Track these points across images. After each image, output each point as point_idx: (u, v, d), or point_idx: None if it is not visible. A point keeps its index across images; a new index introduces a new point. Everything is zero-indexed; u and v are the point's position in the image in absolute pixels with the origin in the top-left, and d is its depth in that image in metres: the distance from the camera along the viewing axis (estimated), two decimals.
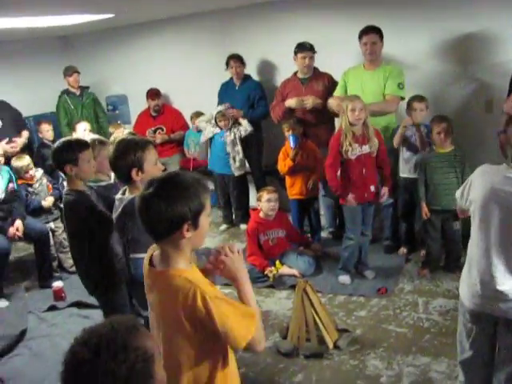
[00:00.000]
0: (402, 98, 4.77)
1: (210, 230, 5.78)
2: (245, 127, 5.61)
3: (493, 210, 2.27)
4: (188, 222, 1.73)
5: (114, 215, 2.83)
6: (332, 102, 4.88)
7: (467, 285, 2.44)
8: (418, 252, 4.92)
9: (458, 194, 2.54)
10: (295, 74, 5.33)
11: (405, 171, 4.77)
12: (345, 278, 4.52)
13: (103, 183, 3.61)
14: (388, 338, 3.70)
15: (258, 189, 5.44)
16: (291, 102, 5.12)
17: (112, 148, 2.93)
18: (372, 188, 4.36)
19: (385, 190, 4.42)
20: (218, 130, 5.74)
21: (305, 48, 5.11)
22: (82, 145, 3.19)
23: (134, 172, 2.75)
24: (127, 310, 3.15)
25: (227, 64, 5.80)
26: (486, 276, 2.34)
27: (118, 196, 2.85)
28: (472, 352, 2.54)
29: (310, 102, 5.03)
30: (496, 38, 4.75)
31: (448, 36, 4.98)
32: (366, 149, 4.25)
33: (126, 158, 2.75)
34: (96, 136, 4.57)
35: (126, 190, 2.85)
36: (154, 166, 2.82)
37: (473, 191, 2.38)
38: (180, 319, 1.71)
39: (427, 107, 4.63)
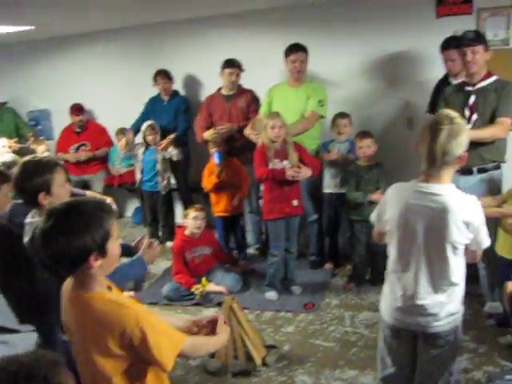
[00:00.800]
0: (322, 116, 4.86)
1: None
2: (175, 155, 5.57)
3: (410, 226, 2.31)
4: (94, 252, 1.66)
5: (25, 239, 2.66)
6: (248, 134, 4.91)
7: (389, 300, 2.47)
8: (344, 266, 5.01)
9: (373, 217, 2.54)
10: (219, 90, 5.34)
11: (329, 187, 4.86)
12: (271, 294, 4.52)
13: None
14: (315, 352, 3.71)
15: (185, 205, 5.40)
16: (207, 135, 5.14)
17: (17, 168, 2.71)
18: (295, 202, 4.38)
19: (296, 204, 4.41)
20: (142, 149, 5.66)
21: (232, 64, 5.14)
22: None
23: (41, 196, 2.59)
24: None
25: (155, 80, 5.76)
26: (408, 291, 2.36)
27: (28, 220, 2.69)
28: (394, 368, 2.55)
29: (225, 129, 5.05)
30: (419, 57, 4.96)
31: (373, 54, 5.17)
32: (286, 164, 4.29)
33: (32, 180, 2.59)
34: (12, 156, 4.38)
35: (34, 212, 2.68)
36: (62, 187, 2.66)
37: (388, 211, 2.40)
38: (105, 343, 1.64)
39: (351, 123, 4.76)
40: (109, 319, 1.65)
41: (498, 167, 3.89)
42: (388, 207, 2.40)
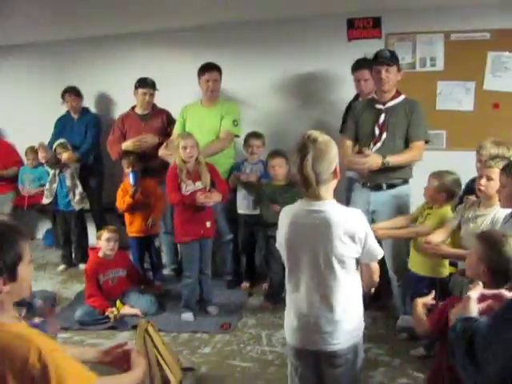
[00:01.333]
0: (237, 136, 4.89)
1: (48, 272, 5.51)
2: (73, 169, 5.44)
3: (298, 245, 2.34)
4: (3, 275, 1.58)
5: None
6: (162, 154, 4.83)
7: (288, 321, 2.48)
8: (260, 285, 5.02)
9: (277, 243, 2.53)
10: (133, 108, 5.25)
11: (242, 207, 4.89)
12: (188, 316, 4.45)
13: None
14: (233, 373, 3.67)
15: (98, 226, 5.26)
16: (128, 145, 5.03)
17: None
18: (208, 224, 4.37)
19: (209, 225, 4.41)
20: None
21: (146, 84, 5.08)
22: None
23: None
24: None
25: (62, 97, 5.59)
26: (302, 311, 2.38)
27: None
28: None
29: (148, 139, 4.98)
30: (331, 78, 5.10)
31: (286, 75, 5.26)
32: (199, 185, 4.27)
33: None
34: None
35: None
36: None
37: (279, 234, 2.44)
38: (4, 380, 1.52)
39: (264, 144, 4.80)
40: (9, 354, 1.54)
41: (406, 182, 4.04)
42: (279, 231, 2.44)
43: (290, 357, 2.57)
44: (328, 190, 2.32)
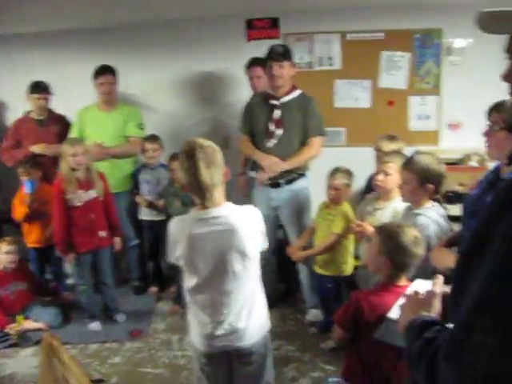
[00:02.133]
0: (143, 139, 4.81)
1: None
2: None
3: (202, 255, 2.32)
4: None
5: None
6: (35, 149, 4.69)
7: (198, 329, 2.46)
8: (169, 289, 4.94)
9: (169, 258, 2.46)
10: (28, 113, 5.00)
11: (145, 214, 4.81)
12: (95, 325, 4.31)
13: None
14: (145, 381, 3.61)
15: None
16: (36, 148, 4.76)
17: None
18: (103, 233, 4.24)
19: (117, 240, 4.37)
20: None
21: (39, 89, 4.82)
22: None
23: None
24: None
25: None
26: (215, 316, 2.39)
27: None
28: None
29: (52, 151, 4.74)
30: (231, 78, 5.09)
31: (185, 76, 5.20)
32: (92, 194, 4.15)
33: None
34: None
35: None
36: None
37: (178, 247, 2.37)
38: None
39: (161, 146, 4.74)
40: None
41: (303, 175, 4.14)
42: (176, 244, 2.36)
43: (200, 365, 2.54)
44: (221, 193, 2.35)
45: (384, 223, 2.84)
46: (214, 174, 2.27)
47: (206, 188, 2.26)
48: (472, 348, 0.97)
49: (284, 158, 3.97)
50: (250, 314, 2.43)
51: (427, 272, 2.55)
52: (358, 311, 2.35)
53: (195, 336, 2.49)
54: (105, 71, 4.64)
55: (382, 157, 3.56)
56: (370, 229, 3.14)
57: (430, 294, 1.47)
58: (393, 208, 3.33)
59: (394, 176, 3.30)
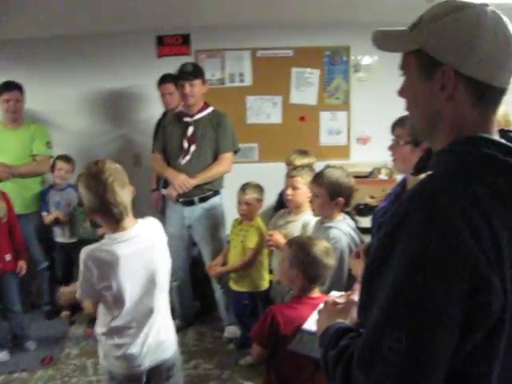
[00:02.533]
0: (52, 157, 4.66)
1: None
2: None
3: (129, 277, 2.25)
4: None
5: None
6: None
7: (123, 351, 2.33)
8: (82, 312, 4.78)
9: (79, 295, 2.32)
10: None
11: (58, 235, 4.67)
12: (1, 355, 4.05)
13: None
14: None
15: None
16: None
17: None
18: (7, 257, 4.02)
19: (21, 264, 4.13)
20: None
21: None
22: None
23: None
24: None
25: None
26: (141, 334, 2.33)
27: None
28: None
29: None
30: (141, 95, 5.04)
31: (92, 93, 5.08)
32: None
33: None
34: None
35: None
36: None
37: (104, 280, 2.21)
38: None
39: (74, 169, 4.61)
40: None
41: (217, 193, 4.14)
42: (98, 276, 2.21)
43: None
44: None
45: (295, 237, 2.88)
46: (127, 193, 2.24)
47: (123, 208, 2.20)
48: (381, 355, 0.99)
49: (194, 172, 3.96)
50: (166, 325, 2.45)
51: (340, 284, 2.61)
52: (274, 325, 2.35)
53: (115, 362, 2.36)
54: (10, 87, 4.46)
55: (290, 171, 3.62)
56: (281, 239, 3.18)
57: (348, 303, 1.49)
58: (303, 221, 3.39)
59: (302, 190, 3.37)
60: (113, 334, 2.32)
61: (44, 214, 4.61)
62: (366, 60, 5.04)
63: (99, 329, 2.36)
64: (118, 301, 2.25)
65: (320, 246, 2.44)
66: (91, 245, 2.27)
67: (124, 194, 2.21)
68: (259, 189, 3.82)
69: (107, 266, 2.19)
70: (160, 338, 2.39)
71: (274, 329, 2.35)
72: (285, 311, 2.40)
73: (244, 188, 3.80)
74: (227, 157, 4.04)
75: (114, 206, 2.18)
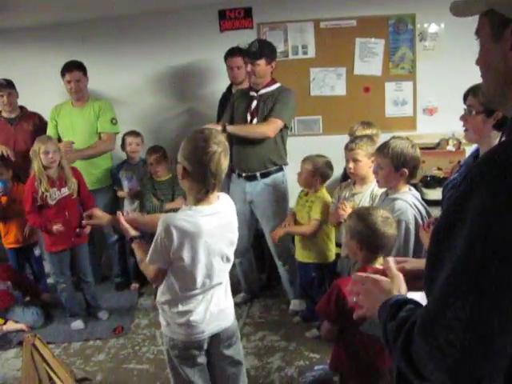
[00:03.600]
0: (117, 133, 4.78)
1: None
2: None
3: (212, 249, 2.29)
4: None
5: None
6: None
7: (186, 318, 2.36)
8: (150, 284, 4.91)
9: (152, 259, 2.30)
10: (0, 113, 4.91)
11: (127, 210, 4.77)
12: (77, 324, 4.27)
13: None
14: (131, 377, 3.59)
15: None
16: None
17: None
18: (78, 231, 4.18)
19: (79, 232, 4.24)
20: None
21: (0, 85, 4.73)
22: None
23: None
24: None
25: None
26: (204, 301, 2.37)
27: None
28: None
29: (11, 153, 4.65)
30: (205, 70, 5.06)
31: (158, 69, 5.15)
32: (65, 191, 4.10)
33: None
34: None
35: None
36: None
37: (179, 247, 2.22)
38: None
39: (142, 142, 4.71)
40: None
41: (280, 169, 4.10)
42: (177, 246, 2.21)
43: (179, 361, 2.45)
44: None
45: (356, 208, 2.85)
46: (225, 168, 2.24)
47: (218, 181, 2.23)
48: (446, 323, 0.98)
49: (257, 146, 3.95)
50: (226, 294, 2.49)
51: (407, 256, 2.57)
52: (340, 299, 2.33)
53: (177, 329, 2.40)
54: (70, 68, 4.55)
55: (349, 145, 3.58)
56: (348, 211, 3.17)
57: (396, 275, 1.43)
58: (371, 192, 3.36)
59: (363, 162, 3.33)
60: (178, 302, 2.36)
61: (116, 188, 4.76)
62: (433, 28, 4.87)
63: (163, 297, 2.40)
64: (189, 272, 2.28)
65: (378, 216, 2.40)
66: (174, 213, 2.30)
67: (224, 167, 2.22)
68: (322, 163, 3.79)
69: (188, 237, 2.21)
70: (221, 306, 2.43)
71: (341, 303, 2.32)
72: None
73: (306, 157, 3.83)
74: (274, 121, 3.93)
75: (212, 176, 2.20)
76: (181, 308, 2.36)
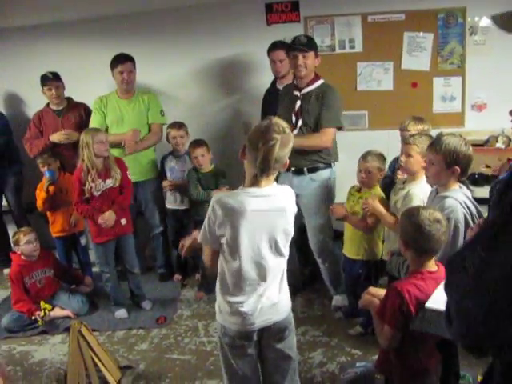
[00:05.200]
0: (164, 124, 4.84)
1: None
2: None
3: (254, 231, 2.30)
4: None
5: None
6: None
7: (236, 307, 2.40)
8: (193, 276, 4.96)
9: (201, 238, 2.42)
10: (48, 105, 5.02)
11: (170, 202, 4.86)
12: (121, 313, 4.35)
13: None
14: (173, 367, 3.63)
15: (19, 228, 5.01)
16: (55, 137, 4.81)
17: None
18: (123, 221, 4.25)
19: (124, 222, 4.30)
20: None
21: (48, 79, 4.83)
22: None
23: None
24: None
25: None
26: (255, 293, 2.38)
27: None
28: (242, 374, 2.53)
29: (73, 137, 4.79)
30: (251, 63, 5.07)
31: (205, 62, 5.18)
32: (109, 183, 4.15)
33: None
34: None
35: None
36: None
37: (222, 226, 2.30)
38: None
39: (187, 133, 4.74)
40: None
41: (328, 166, 4.06)
42: (220, 222, 2.29)
43: (228, 349, 2.49)
44: (274, 175, 2.36)
45: (408, 208, 2.80)
46: (281, 158, 2.26)
47: (268, 169, 2.26)
48: (462, 263, 1.13)
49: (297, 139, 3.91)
50: (281, 288, 2.47)
51: None
52: (404, 305, 2.24)
53: (228, 317, 2.44)
54: (123, 60, 4.63)
55: (405, 138, 3.52)
56: (377, 205, 3.31)
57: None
58: (408, 191, 3.30)
59: (415, 158, 3.26)
60: (229, 291, 2.40)
61: (164, 181, 4.81)
62: (484, 22, 4.76)
63: (217, 285, 2.48)
64: (232, 253, 2.33)
65: (427, 215, 2.32)
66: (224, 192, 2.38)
67: (278, 155, 2.23)
68: (381, 157, 3.71)
69: (230, 214, 2.27)
70: (273, 299, 2.42)
71: (405, 308, 2.23)
72: (410, 288, 2.26)
73: (365, 156, 3.71)
74: (327, 132, 3.90)
75: (262, 162, 2.23)
76: (231, 298, 2.40)
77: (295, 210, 2.47)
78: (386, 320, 2.30)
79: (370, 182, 3.74)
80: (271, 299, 2.42)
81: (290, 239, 2.44)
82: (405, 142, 3.40)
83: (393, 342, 2.31)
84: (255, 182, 2.31)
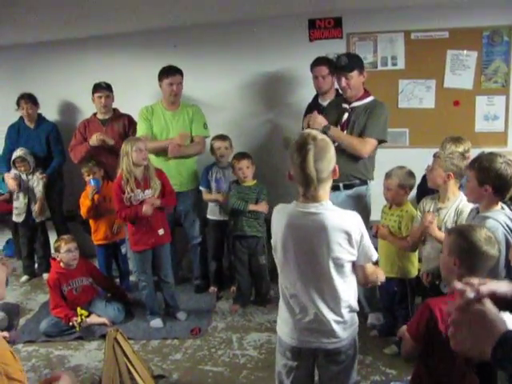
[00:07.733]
0: (207, 136, 4.89)
1: (10, 283, 5.33)
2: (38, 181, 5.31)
3: (296, 249, 2.30)
4: None
5: None
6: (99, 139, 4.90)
7: (289, 322, 2.41)
8: (228, 289, 4.98)
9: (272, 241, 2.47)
10: (95, 114, 5.15)
11: (212, 213, 4.89)
12: (156, 322, 4.38)
13: None
14: (205, 378, 3.63)
15: (60, 235, 5.13)
16: (91, 140, 4.92)
17: None
18: (160, 231, 4.28)
19: (162, 233, 4.32)
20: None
21: (100, 87, 4.98)
22: None
23: None
24: None
25: (18, 104, 5.38)
26: (306, 312, 2.34)
27: None
28: None
29: (109, 142, 4.91)
30: (293, 79, 5.11)
31: (248, 77, 5.24)
32: (148, 193, 4.18)
33: None
34: None
35: None
36: None
37: (275, 234, 2.38)
38: None
39: (231, 145, 4.77)
40: None
41: (364, 183, 4.05)
42: (272, 228, 2.39)
43: (283, 359, 2.49)
44: (326, 189, 2.29)
45: (455, 226, 2.78)
46: (323, 167, 2.20)
47: (310, 181, 2.20)
48: None
49: (346, 159, 3.88)
50: (342, 317, 2.36)
51: (496, 279, 2.46)
52: (432, 321, 2.23)
53: (284, 329, 2.45)
54: (173, 72, 4.72)
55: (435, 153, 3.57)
56: (435, 226, 3.15)
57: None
58: (455, 207, 3.27)
59: (437, 171, 3.30)
60: (281, 301, 2.46)
61: (203, 189, 4.83)
62: None
63: None
64: (281, 264, 2.39)
65: (481, 234, 2.30)
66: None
67: (314, 168, 2.18)
68: (405, 175, 3.69)
69: (275, 225, 2.37)
70: (324, 327, 2.33)
71: (432, 325, 2.23)
72: (443, 306, 2.20)
73: (388, 172, 3.74)
74: (369, 142, 3.90)
75: (304, 176, 2.20)
76: (280, 311, 2.47)
77: (348, 235, 2.26)
78: (408, 328, 2.35)
79: (395, 199, 3.75)
80: (321, 324, 2.35)
81: (341, 263, 2.28)
82: (435, 155, 3.46)
83: (410, 353, 2.38)
84: (302, 199, 2.29)
